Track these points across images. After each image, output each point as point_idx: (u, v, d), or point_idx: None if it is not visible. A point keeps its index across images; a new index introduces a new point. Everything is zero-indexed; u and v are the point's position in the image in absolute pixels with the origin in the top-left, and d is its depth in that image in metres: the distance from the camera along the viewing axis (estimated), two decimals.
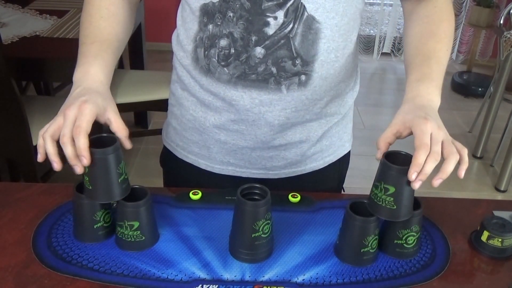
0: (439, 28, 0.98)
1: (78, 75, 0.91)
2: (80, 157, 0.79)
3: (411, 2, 1.02)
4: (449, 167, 0.80)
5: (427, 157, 0.79)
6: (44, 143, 0.82)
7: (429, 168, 0.79)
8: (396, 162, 0.82)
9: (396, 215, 0.84)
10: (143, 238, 0.86)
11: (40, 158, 0.83)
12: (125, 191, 0.85)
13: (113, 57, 0.96)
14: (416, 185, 0.80)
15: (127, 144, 0.86)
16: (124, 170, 0.85)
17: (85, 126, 0.80)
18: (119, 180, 0.83)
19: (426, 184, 0.79)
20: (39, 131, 0.85)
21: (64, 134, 0.80)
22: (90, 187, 0.83)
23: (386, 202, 0.83)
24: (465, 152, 0.83)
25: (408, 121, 0.84)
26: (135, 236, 0.86)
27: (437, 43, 0.97)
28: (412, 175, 0.79)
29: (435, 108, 0.90)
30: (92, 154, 0.81)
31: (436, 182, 0.80)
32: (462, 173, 0.82)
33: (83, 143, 0.79)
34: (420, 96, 0.90)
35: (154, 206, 0.88)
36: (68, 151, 0.80)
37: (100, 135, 0.84)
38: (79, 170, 0.80)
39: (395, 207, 0.83)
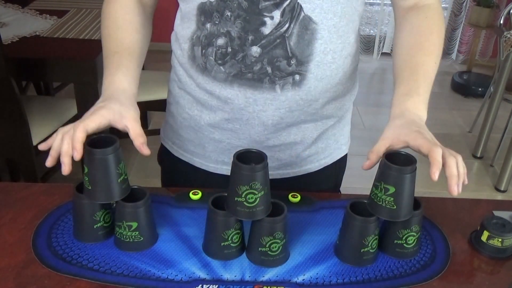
0: (428, 40, 0.98)
1: (104, 87, 0.93)
2: (72, 150, 0.80)
3: (403, 9, 1.01)
4: (461, 168, 0.82)
5: (446, 158, 0.80)
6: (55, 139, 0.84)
7: (453, 166, 0.80)
8: (396, 162, 0.82)
9: (396, 215, 0.84)
10: (142, 238, 0.86)
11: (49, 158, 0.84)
12: (125, 191, 0.85)
13: (135, 64, 0.98)
14: (455, 190, 0.80)
15: (144, 151, 0.85)
16: (124, 170, 0.85)
17: (88, 122, 0.82)
18: (119, 180, 0.83)
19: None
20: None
21: (67, 131, 0.83)
22: (90, 187, 0.83)
23: (386, 202, 0.83)
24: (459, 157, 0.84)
25: (402, 135, 0.85)
26: (133, 237, 0.86)
27: (425, 56, 0.96)
28: (434, 174, 0.79)
29: (424, 122, 0.90)
30: (92, 154, 0.81)
31: (459, 189, 0.81)
32: (462, 171, 0.82)
33: (77, 136, 0.80)
34: (408, 111, 0.90)
35: (153, 206, 0.88)
36: (64, 145, 0.81)
37: (100, 135, 0.84)
38: (66, 168, 0.81)
39: (395, 207, 0.83)
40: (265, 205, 0.83)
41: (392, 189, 0.82)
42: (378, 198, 0.83)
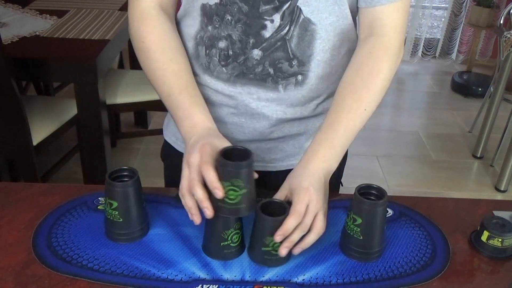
0: (364, 83, 0.93)
1: (186, 130, 0.91)
2: (213, 190, 0.79)
3: (361, 29, 0.98)
4: (309, 239, 0.83)
5: (297, 226, 0.81)
6: (184, 200, 0.83)
7: (296, 236, 0.82)
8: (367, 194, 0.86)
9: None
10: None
11: (206, 214, 0.81)
12: None
13: (200, 94, 0.96)
14: (283, 252, 0.81)
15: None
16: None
17: (208, 159, 0.81)
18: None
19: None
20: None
21: (188, 182, 0.82)
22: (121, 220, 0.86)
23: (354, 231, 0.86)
24: (322, 231, 0.84)
25: (292, 188, 0.85)
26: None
27: (355, 101, 0.93)
28: (277, 237, 0.80)
29: (328, 173, 0.89)
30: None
31: (296, 250, 0.83)
32: (309, 242, 0.83)
33: (211, 176, 0.79)
34: (315, 163, 0.89)
35: (153, 206, 0.88)
36: (198, 193, 0.80)
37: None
38: (208, 213, 0.80)
39: (361, 237, 0.85)
40: (248, 203, 0.81)
41: (359, 220, 0.84)
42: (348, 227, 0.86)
